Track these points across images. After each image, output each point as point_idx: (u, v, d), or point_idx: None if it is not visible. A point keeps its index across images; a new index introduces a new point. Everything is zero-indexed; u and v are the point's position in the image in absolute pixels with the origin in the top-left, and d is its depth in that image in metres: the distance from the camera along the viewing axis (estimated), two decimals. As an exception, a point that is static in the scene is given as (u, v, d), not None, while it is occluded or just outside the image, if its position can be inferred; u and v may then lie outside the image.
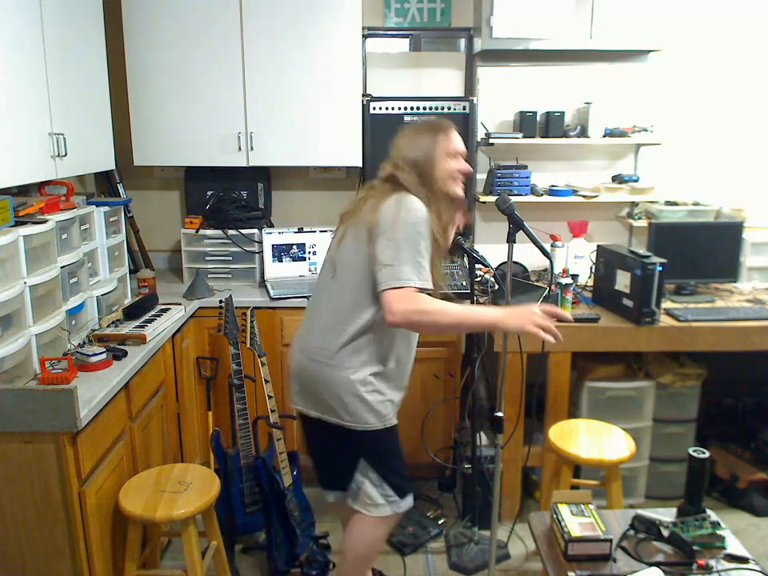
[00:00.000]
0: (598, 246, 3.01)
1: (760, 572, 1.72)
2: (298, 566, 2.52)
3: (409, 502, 1.99)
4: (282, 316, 2.96)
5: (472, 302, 2.77)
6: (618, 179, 3.44)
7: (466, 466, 2.82)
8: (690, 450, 1.89)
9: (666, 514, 1.91)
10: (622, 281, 2.76)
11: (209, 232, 3.25)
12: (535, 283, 3.00)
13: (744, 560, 1.76)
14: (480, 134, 3.31)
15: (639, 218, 3.42)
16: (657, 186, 3.32)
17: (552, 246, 3.21)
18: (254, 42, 3.02)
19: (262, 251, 3.25)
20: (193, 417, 2.93)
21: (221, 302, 2.62)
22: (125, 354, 2.22)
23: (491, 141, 3.22)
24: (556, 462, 2.49)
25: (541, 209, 3.40)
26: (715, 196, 3.40)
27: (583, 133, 3.28)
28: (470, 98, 3.18)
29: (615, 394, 2.90)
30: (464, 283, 2.97)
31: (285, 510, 2.50)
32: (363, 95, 3.15)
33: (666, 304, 2.91)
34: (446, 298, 1.80)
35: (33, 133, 2.19)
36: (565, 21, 3.04)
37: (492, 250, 2.93)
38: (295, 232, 3.27)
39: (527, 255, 3.00)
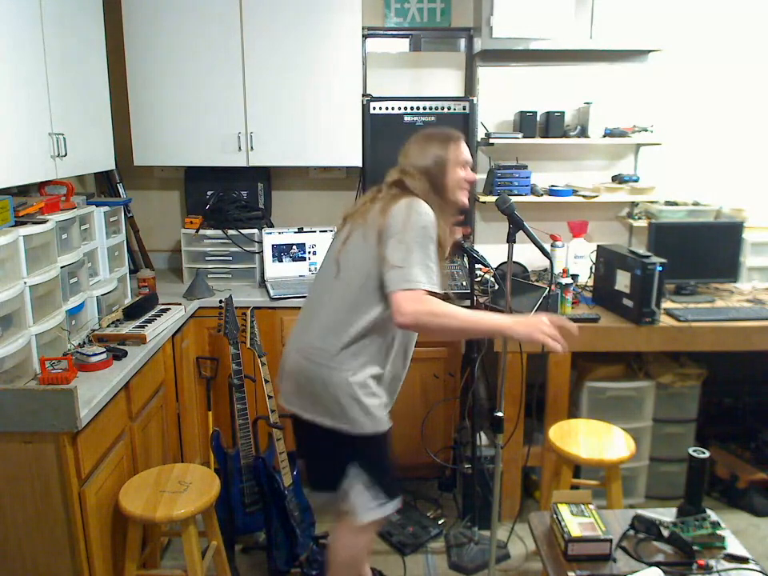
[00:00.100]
0: (598, 246, 3.01)
1: (760, 572, 1.72)
2: (298, 566, 2.52)
3: (396, 505, 1.99)
4: (282, 316, 2.96)
5: (472, 302, 2.78)
6: (617, 179, 3.44)
7: (466, 466, 2.82)
8: (690, 450, 1.89)
9: (665, 514, 1.91)
10: (622, 281, 2.76)
11: (209, 232, 3.25)
12: (535, 283, 3.00)
13: (744, 560, 1.76)
14: (480, 134, 3.31)
15: (639, 218, 3.42)
16: (657, 185, 3.32)
17: (552, 245, 3.21)
18: (254, 42, 3.02)
19: (262, 251, 3.25)
20: (193, 417, 2.93)
21: (221, 301, 2.62)
22: (125, 353, 2.22)
23: (491, 141, 3.22)
24: (556, 462, 2.49)
25: (541, 209, 3.40)
26: (715, 196, 3.39)
27: (583, 133, 3.28)
28: (470, 98, 3.18)
29: (615, 394, 2.90)
30: (464, 283, 2.97)
31: (285, 510, 2.50)
32: (363, 95, 3.15)
33: (666, 304, 2.91)
34: (446, 298, 1.80)
35: (33, 133, 2.19)
36: (565, 21, 3.04)
37: (492, 250, 2.93)
38: (295, 232, 3.27)
39: (527, 255, 3.01)
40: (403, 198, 1.83)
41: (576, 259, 3.26)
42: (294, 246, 3.27)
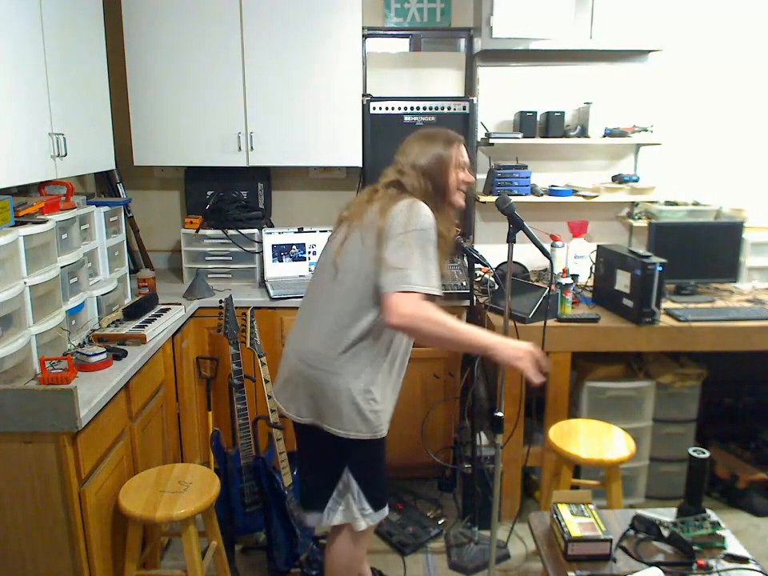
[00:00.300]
0: (598, 246, 3.01)
1: (760, 572, 1.72)
2: (298, 566, 2.52)
3: (384, 513, 1.98)
4: (282, 316, 2.96)
5: (472, 302, 2.78)
6: (618, 179, 3.44)
7: (466, 466, 2.82)
8: (690, 450, 1.89)
9: (665, 514, 1.91)
10: (622, 281, 2.76)
11: (209, 232, 3.25)
12: (535, 283, 3.00)
13: (744, 560, 1.76)
14: (480, 134, 3.31)
15: (639, 218, 3.42)
16: (657, 185, 3.32)
17: (552, 246, 3.21)
18: (254, 42, 3.02)
19: (262, 251, 3.25)
20: (193, 417, 2.93)
21: (221, 301, 2.62)
22: (125, 354, 2.22)
23: (491, 141, 3.22)
24: (556, 462, 2.49)
25: (541, 209, 3.40)
26: (715, 196, 3.40)
27: (583, 133, 3.28)
28: (470, 98, 3.19)
29: (615, 394, 2.90)
30: (464, 283, 2.97)
31: (285, 510, 2.50)
32: (363, 95, 3.15)
33: (666, 304, 2.91)
34: (432, 300, 1.79)
35: (33, 133, 2.19)
36: (565, 21, 3.04)
37: (492, 250, 2.93)
38: (295, 232, 3.27)
39: (527, 255, 3.01)
40: (403, 199, 1.81)
41: (576, 259, 3.26)
42: (294, 246, 3.27)
